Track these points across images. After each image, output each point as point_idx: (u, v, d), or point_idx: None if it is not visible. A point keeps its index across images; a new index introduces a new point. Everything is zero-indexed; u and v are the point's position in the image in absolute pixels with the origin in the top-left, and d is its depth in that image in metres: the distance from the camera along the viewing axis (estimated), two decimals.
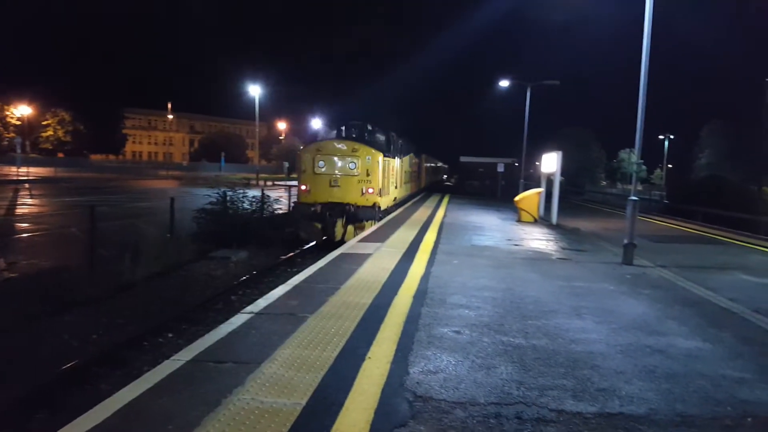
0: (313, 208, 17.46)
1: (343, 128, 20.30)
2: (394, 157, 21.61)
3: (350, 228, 17.53)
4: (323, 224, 17.39)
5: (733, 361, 5.53)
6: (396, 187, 22.62)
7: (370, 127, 20.55)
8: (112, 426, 3.65)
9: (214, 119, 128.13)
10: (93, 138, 79.65)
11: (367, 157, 17.84)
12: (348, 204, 17.47)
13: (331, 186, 17.69)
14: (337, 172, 17.80)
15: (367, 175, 17.81)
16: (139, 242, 13.26)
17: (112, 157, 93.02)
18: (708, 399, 4.54)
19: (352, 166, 17.75)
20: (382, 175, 18.56)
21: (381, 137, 20.61)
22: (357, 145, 18.03)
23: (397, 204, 23.72)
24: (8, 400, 6.22)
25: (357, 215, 17.48)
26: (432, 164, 47.80)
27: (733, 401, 4.52)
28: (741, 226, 21.71)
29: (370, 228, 16.39)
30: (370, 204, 17.72)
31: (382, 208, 18.73)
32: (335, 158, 17.82)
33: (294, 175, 76.10)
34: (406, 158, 27.12)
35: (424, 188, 39.84)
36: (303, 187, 18.09)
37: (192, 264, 13.58)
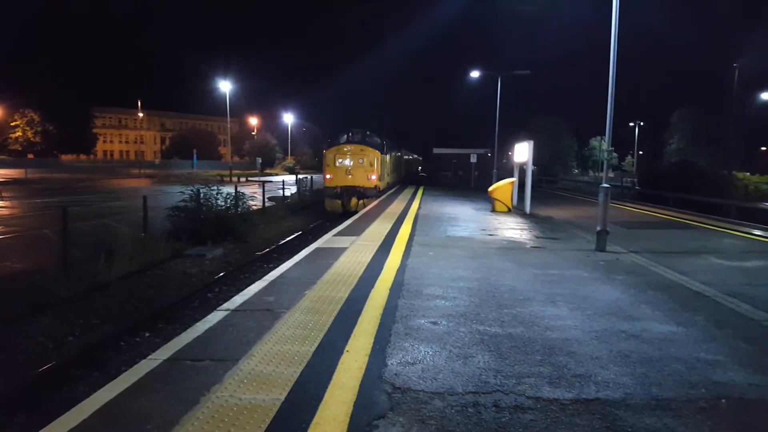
0: (335, 190, 25.96)
1: (350, 133, 27.59)
2: (385, 154, 29.22)
3: (360, 201, 25.55)
4: (341, 200, 25.76)
5: (706, 344, 5.61)
6: (387, 175, 31.09)
7: (368, 132, 28.12)
8: (90, 427, 3.62)
9: (185, 116, 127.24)
10: (63, 138, 78.67)
11: (370, 155, 26.25)
12: (358, 186, 25.88)
13: (346, 174, 26.03)
14: (350, 165, 26.15)
15: (371, 166, 26.13)
16: (112, 242, 13.12)
17: (83, 157, 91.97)
18: (683, 382, 4.60)
19: (361, 161, 26.14)
20: (380, 166, 26.72)
21: (377, 140, 28.05)
22: (363, 147, 26.45)
23: (388, 186, 32.50)
24: None
25: (364, 193, 25.79)
26: (409, 157, 55.67)
27: (707, 383, 4.58)
28: (712, 211, 22.06)
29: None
30: (373, 186, 26.24)
31: (380, 189, 27.46)
32: (348, 156, 26.24)
33: (267, 171, 76.71)
34: (393, 154, 35.77)
35: (404, 176, 47.83)
36: (328, 176, 26.39)
37: (167, 262, 13.45)
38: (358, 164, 26.16)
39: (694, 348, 5.46)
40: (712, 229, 16.21)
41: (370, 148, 26.60)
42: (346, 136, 27.64)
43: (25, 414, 6.17)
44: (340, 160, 26.29)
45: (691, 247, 12.58)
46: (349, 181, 25.95)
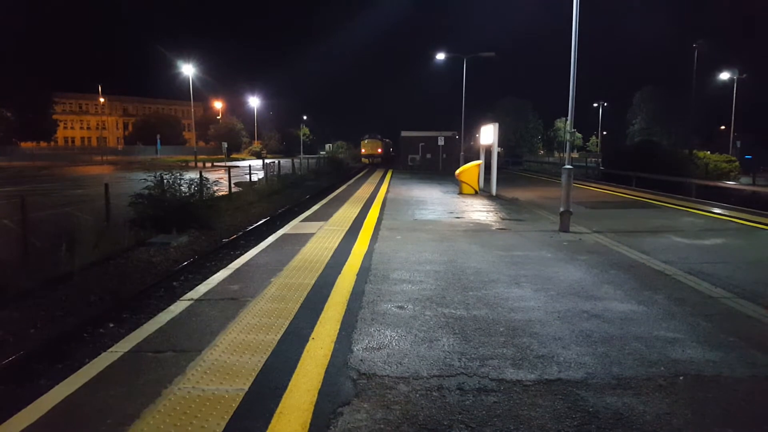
0: (366, 156, 68.27)
1: (369, 134, 70.56)
2: (382, 141, 70.39)
3: (374, 162, 64.63)
4: (369, 159, 66.86)
5: (666, 322, 5.72)
6: (383, 150, 69.50)
7: (375, 134, 71.05)
8: (47, 424, 3.57)
9: (148, 101, 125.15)
10: (22, 125, 76.48)
11: (377, 142, 69.73)
12: (374, 154, 67.97)
13: (371, 150, 68.67)
14: (370, 146, 69.40)
15: (378, 147, 69.13)
16: (74, 231, 12.88)
17: (43, 144, 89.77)
18: (643, 360, 4.68)
19: (374, 144, 69.29)
20: (381, 147, 69.54)
21: (378, 136, 70.58)
22: (374, 140, 69.94)
23: (384, 153, 69.72)
24: None
25: (376, 157, 67.53)
26: (386, 141, 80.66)
27: (666, 361, 4.68)
28: (673, 189, 22.44)
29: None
30: (380, 154, 67.94)
31: (382, 156, 68.15)
32: (369, 143, 69.63)
33: (233, 156, 77.32)
34: (383, 141, 71.13)
35: (387, 152, 78.42)
36: (363, 151, 69.54)
37: (131, 251, 13.25)
38: (373, 146, 68.52)
39: (654, 326, 5.56)
40: (673, 208, 16.51)
41: (377, 140, 69.32)
42: (367, 135, 70.29)
43: None
44: (366, 145, 68.54)
45: (652, 226, 12.79)
46: (371, 153, 67.69)
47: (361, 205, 16.19)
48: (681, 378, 4.35)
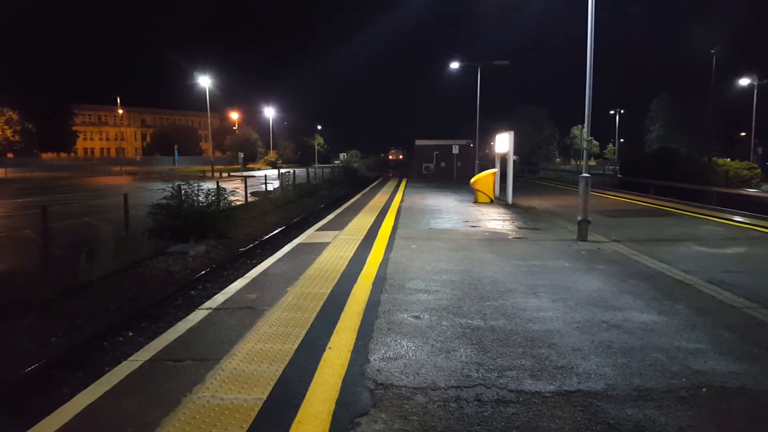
0: (392, 162, 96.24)
1: (393, 146, 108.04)
2: (401, 150, 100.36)
3: (397, 164, 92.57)
4: (393, 162, 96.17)
5: (687, 332, 5.64)
6: (402, 156, 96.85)
7: (398, 145, 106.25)
8: (71, 431, 3.59)
9: (166, 112, 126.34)
10: (43, 136, 77.87)
11: (399, 152, 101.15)
12: (399, 160, 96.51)
13: (395, 157, 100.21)
14: (395, 154, 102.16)
15: (400, 154, 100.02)
16: (94, 241, 12.99)
17: (63, 155, 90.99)
18: (664, 372, 4.62)
19: (398, 153, 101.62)
20: (403, 155, 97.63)
21: (400, 147, 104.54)
22: (398, 150, 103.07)
23: (400, 159, 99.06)
24: None
25: (399, 162, 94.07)
26: (405, 150, 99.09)
27: (688, 372, 4.61)
28: (692, 197, 22.25)
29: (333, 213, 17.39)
30: (402, 160, 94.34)
31: (402, 160, 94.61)
32: (394, 152, 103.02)
33: (249, 166, 78.67)
34: (402, 150, 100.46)
35: (403, 160, 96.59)
36: (390, 157, 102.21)
37: (149, 260, 13.34)
38: (397, 154, 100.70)
39: (675, 337, 5.50)
40: (692, 216, 16.35)
41: (399, 150, 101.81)
42: (392, 147, 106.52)
43: (7, 417, 6.10)
44: (392, 153, 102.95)
45: (672, 235, 12.67)
46: (395, 158, 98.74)
47: (376, 214, 16.19)
48: (704, 390, 4.29)
